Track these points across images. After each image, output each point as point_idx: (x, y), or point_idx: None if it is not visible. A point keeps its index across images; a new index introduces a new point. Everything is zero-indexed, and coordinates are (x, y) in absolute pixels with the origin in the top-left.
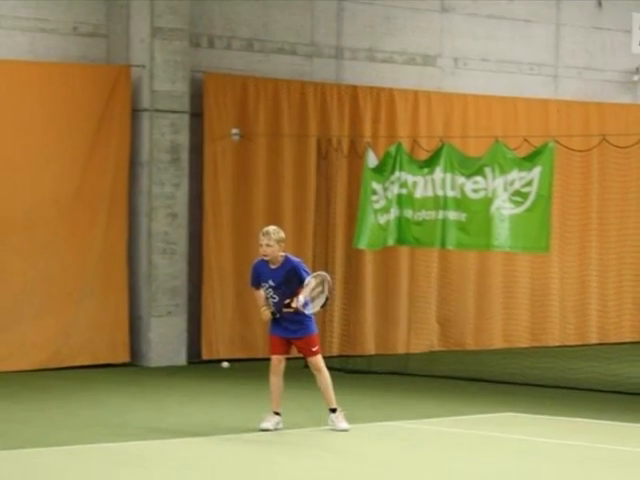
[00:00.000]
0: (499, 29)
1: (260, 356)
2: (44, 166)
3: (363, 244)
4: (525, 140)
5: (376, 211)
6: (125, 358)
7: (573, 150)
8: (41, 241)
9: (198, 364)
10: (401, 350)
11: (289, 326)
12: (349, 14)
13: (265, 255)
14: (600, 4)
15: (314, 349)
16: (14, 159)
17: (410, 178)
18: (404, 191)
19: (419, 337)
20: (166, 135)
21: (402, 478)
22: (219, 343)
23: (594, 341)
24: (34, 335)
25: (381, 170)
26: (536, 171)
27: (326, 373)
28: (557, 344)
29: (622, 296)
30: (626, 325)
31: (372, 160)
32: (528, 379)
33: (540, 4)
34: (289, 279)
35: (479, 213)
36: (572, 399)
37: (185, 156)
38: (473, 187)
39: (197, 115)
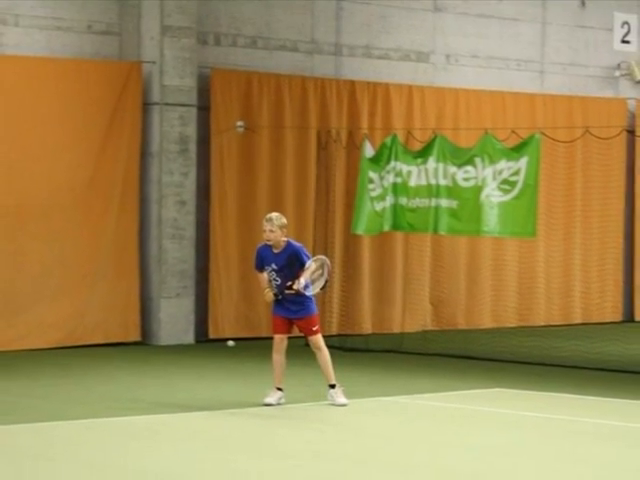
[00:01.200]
0: (488, 27)
1: (263, 335)
2: (60, 156)
3: (360, 230)
4: (513, 132)
5: (373, 199)
6: (136, 337)
7: (558, 141)
8: (57, 227)
9: (205, 343)
10: (396, 329)
11: (291, 307)
12: (347, 13)
13: (268, 240)
14: (583, 4)
15: (314, 328)
16: (32, 150)
17: (405, 168)
18: (399, 180)
19: (413, 317)
20: (175, 127)
21: (397, 449)
22: (225, 323)
23: (578, 321)
24: (51, 316)
25: (377, 160)
26: (523, 161)
27: (326, 351)
28: (543, 324)
29: (604, 279)
30: (608, 306)
31: (369, 151)
32: (515, 357)
33: (527, 4)
34: (291, 263)
35: (470, 200)
36: (556, 376)
37: (193, 147)
38: (464, 176)
39: (204, 108)
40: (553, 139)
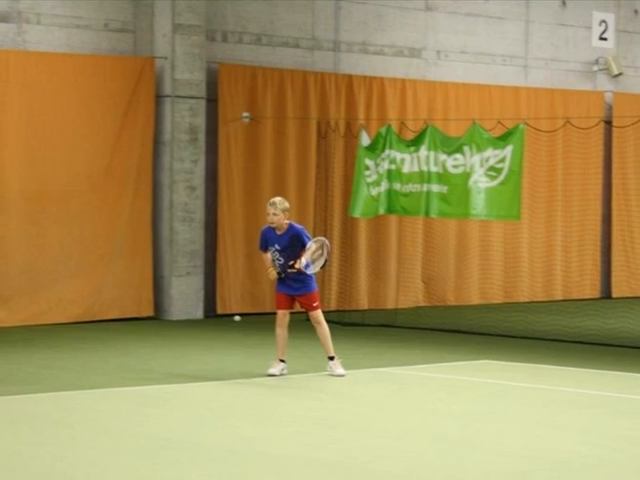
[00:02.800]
0: (476, 25)
1: (267, 311)
2: (79, 145)
3: (357, 213)
4: (499, 122)
5: (369, 184)
6: (149, 313)
7: (541, 131)
8: (76, 211)
9: (213, 318)
10: (391, 305)
11: (293, 284)
12: (345, 12)
13: (272, 223)
14: (564, 3)
15: (315, 304)
16: (53, 139)
17: (398, 155)
18: (393, 167)
19: (406, 294)
20: (185, 118)
21: (391, 416)
22: (231, 299)
23: (559, 298)
24: (70, 293)
25: (373, 148)
26: (508, 149)
27: (325, 325)
28: (526, 300)
29: (583, 258)
30: (587, 284)
31: (365, 140)
32: (501, 331)
33: (512, 3)
34: (293, 243)
35: (459, 186)
36: (539, 348)
37: (202, 136)
38: (453, 163)
39: (212, 100)
40: (536, 129)
